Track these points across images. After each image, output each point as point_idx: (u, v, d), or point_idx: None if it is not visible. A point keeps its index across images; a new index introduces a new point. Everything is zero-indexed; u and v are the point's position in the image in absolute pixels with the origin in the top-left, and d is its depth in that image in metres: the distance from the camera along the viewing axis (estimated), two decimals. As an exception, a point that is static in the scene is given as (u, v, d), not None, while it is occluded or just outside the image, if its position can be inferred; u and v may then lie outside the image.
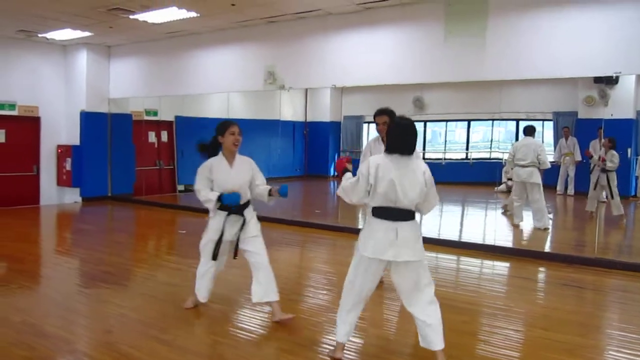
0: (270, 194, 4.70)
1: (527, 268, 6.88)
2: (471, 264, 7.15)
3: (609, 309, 5.46)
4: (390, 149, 3.60)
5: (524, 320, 4.89)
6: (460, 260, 7.34)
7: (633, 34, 6.74)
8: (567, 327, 4.62)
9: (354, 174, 3.75)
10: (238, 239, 4.67)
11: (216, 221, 4.65)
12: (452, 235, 9.07)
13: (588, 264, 6.83)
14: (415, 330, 3.80)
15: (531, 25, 7.48)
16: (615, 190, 9.46)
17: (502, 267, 7.02)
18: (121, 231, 9.83)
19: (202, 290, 4.87)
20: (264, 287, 4.60)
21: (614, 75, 7.35)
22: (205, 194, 4.59)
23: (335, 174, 3.83)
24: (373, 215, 3.61)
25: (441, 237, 8.60)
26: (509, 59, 7.64)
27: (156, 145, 14.24)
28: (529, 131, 9.38)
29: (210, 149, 4.77)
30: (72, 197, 12.58)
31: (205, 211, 4.79)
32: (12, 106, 11.81)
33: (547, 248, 8.37)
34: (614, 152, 9.59)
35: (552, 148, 15.18)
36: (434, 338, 3.65)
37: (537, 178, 9.01)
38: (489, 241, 8.41)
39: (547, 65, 7.40)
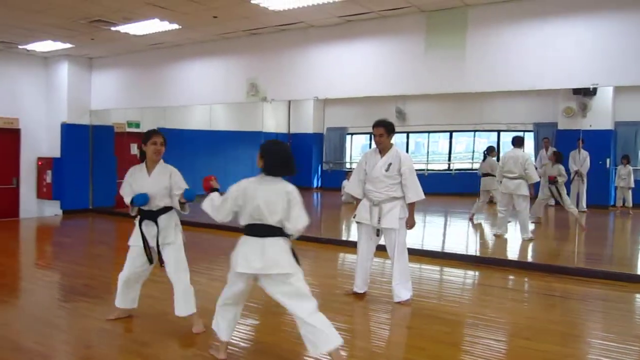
0: (179, 200, 4.74)
1: (509, 278, 6.93)
2: (453, 274, 7.18)
3: (590, 318, 5.51)
4: (267, 172, 3.79)
5: (506, 330, 4.92)
6: (443, 270, 7.36)
7: (610, 45, 6.87)
8: (549, 337, 4.65)
9: (221, 190, 4.02)
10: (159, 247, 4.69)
11: (135, 225, 4.76)
12: (435, 246, 9.11)
13: (569, 273, 6.90)
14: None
15: (510, 37, 7.59)
16: (565, 197, 9.73)
17: (484, 277, 7.06)
18: (102, 244, 9.73)
19: (120, 298, 4.90)
20: (178, 301, 4.68)
21: (592, 87, 7.46)
22: (126, 198, 4.75)
23: (204, 192, 4.15)
24: (244, 232, 3.82)
25: (424, 248, 8.63)
26: (488, 70, 7.74)
27: (138, 157, 14.13)
28: (517, 142, 9.36)
29: (142, 157, 4.97)
30: (53, 209, 12.43)
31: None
32: (-9, 118, 11.69)
33: (529, 258, 8.44)
34: (560, 165, 9.85)
35: (534, 158, 15.35)
36: (320, 339, 3.70)
37: (525, 190, 9.03)
38: (472, 251, 8.47)
39: (526, 77, 7.50)
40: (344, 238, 9.47)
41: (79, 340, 4.51)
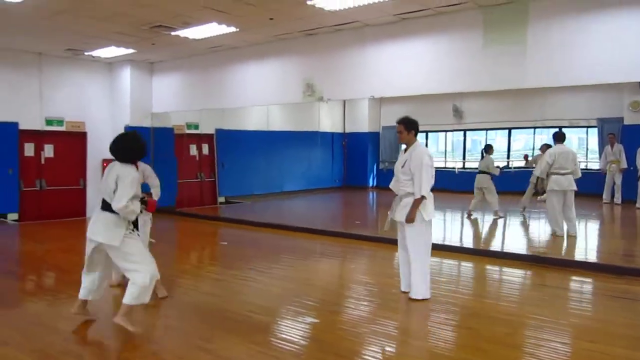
0: None
1: (571, 279, 6.71)
2: (513, 274, 7.01)
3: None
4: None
5: (570, 332, 4.77)
6: (503, 270, 7.21)
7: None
8: (616, 340, 4.49)
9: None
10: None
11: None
12: (494, 246, 8.94)
13: (637, 274, 6.61)
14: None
15: (573, 31, 7.36)
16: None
17: (544, 277, 6.86)
18: (164, 242, 10.01)
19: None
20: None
21: (661, 79, 7.15)
22: None
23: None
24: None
25: (482, 248, 8.48)
26: (551, 65, 7.53)
27: (197, 158, 14.51)
28: (561, 138, 9.08)
29: None
30: (117, 209, 12.86)
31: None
32: (60, 122, 12.26)
33: (593, 258, 8.15)
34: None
35: (598, 155, 14.81)
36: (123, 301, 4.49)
37: (575, 186, 8.92)
38: (531, 251, 8.26)
39: (591, 71, 7.26)
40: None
41: (146, 335, 4.67)
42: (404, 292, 5.75)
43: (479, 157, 11.58)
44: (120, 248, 4.49)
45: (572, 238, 8.89)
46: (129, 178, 4.47)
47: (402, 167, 5.62)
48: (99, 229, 4.52)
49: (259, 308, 5.34)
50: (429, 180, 5.47)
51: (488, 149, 11.33)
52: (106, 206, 4.52)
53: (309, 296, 5.82)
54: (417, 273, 5.54)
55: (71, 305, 4.95)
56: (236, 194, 15.13)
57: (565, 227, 9.00)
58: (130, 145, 4.68)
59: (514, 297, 6.05)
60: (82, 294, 4.81)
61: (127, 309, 4.53)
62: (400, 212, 5.63)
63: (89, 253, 4.68)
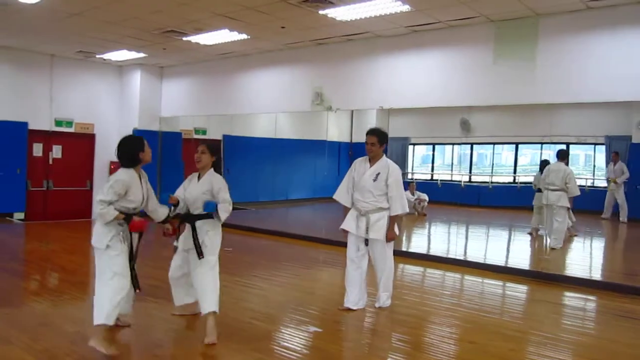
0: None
1: (575, 296, 6.68)
2: (517, 290, 6.99)
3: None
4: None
5: (574, 350, 4.74)
6: (506, 285, 7.18)
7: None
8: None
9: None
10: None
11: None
12: (498, 260, 8.91)
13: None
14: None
15: (584, 47, 7.38)
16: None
17: (549, 293, 6.83)
18: (170, 246, 10.03)
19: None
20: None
21: (671, 99, 7.15)
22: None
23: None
24: None
25: (487, 262, 8.45)
26: (561, 81, 7.54)
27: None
28: (561, 156, 9.53)
29: None
30: (123, 212, 12.91)
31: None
32: (69, 123, 12.34)
33: (598, 276, 8.11)
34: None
35: (605, 173, 14.77)
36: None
37: (565, 202, 9.22)
38: (535, 267, 8.23)
39: (600, 88, 7.27)
40: (403, 249, 9.37)
41: (149, 340, 4.67)
42: (349, 309, 5.48)
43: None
44: (101, 255, 4.22)
45: (588, 257, 9.29)
46: (111, 180, 4.24)
47: (374, 180, 5.36)
48: (95, 236, 4.27)
49: (262, 315, 5.34)
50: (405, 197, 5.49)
51: (546, 164, 11.14)
52: None
53: (312, 305, 5.81)
54: (387, 286, 5.60)
55: (75, 306, 4.95)
56: (241, 200, 15.14)
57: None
58: (122, 150, 4.50)
59: (516, 312, 6.03)
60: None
61: (94, 330, 4.18)
62: (376, 230, 5.37)
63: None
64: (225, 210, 4.65)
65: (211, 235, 4.70)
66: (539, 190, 10.75)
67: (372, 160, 5.47)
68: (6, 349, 4.23)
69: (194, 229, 4.68)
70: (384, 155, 5.54)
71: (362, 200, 5.43)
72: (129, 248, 4.31)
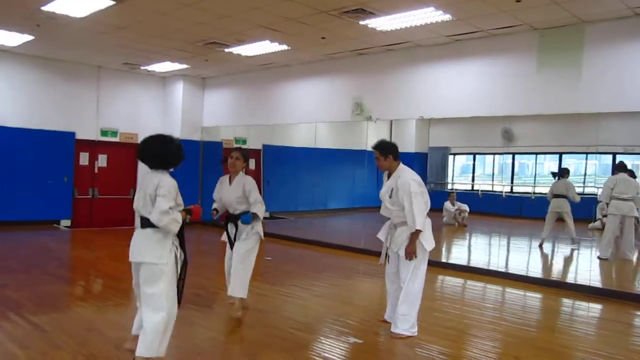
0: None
1: (630, 312, 6.45)
2: (563, 304, 6.81)
3: None
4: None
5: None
6: (559, 301, 6.99)
7: None
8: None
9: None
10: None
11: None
12: (542, 274, 8.71)
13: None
14: None
15: (632, 54, 7.18)
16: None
17: (597, 309, 6.63)
18: (211, 254, 10.15)
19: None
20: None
21: None
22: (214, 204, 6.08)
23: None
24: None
25: (530, 275, 8.27)
26: (607, 90, 7.35)
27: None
28: (623, 168, 9.57)
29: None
30: (165, 220, 13.14)
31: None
32: (114, 133, 12.67)
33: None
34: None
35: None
36: (139, 344, 3.82)
37: (636, 212, 9.24)
38: (582, 281, 8.00)
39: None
40: (443, 260, 9.26)
41: (191, 347, 4.73)
42: (388, 322, 5.31)
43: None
44: (154, 272, 3.93)
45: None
46: (164, 187, 3.98)
47: (390, 197, 5.03)
48: (144, 250, 4.02)
49: (302, 325, 5.34)
50: (422, 211, 4.88)
51: (564, 172, 11.00)
52: (143, 222, 4.07)
53: (352, 315, 5.78)
54: (406, 306, 4.98)
55: (119, 312, 5.05)
56: (281, 210, 15.23)
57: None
58: (169, 152, 4.24)
59: (566, 327, 5.86)
60: (134, 327, 4.36)
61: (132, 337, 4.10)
62: (397, 242, 5.04)
63: (136, 281, 4.20)
64: (260, 210, 5.52)
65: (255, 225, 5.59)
66: (557, 197, 10.79)
67: (389, 175, 5.18)
68: (57, 354, 4.34)
69: (236, 227, 5.65)
70: (400, 165, 5.14)
71: (388, 212, 5.20)
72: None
